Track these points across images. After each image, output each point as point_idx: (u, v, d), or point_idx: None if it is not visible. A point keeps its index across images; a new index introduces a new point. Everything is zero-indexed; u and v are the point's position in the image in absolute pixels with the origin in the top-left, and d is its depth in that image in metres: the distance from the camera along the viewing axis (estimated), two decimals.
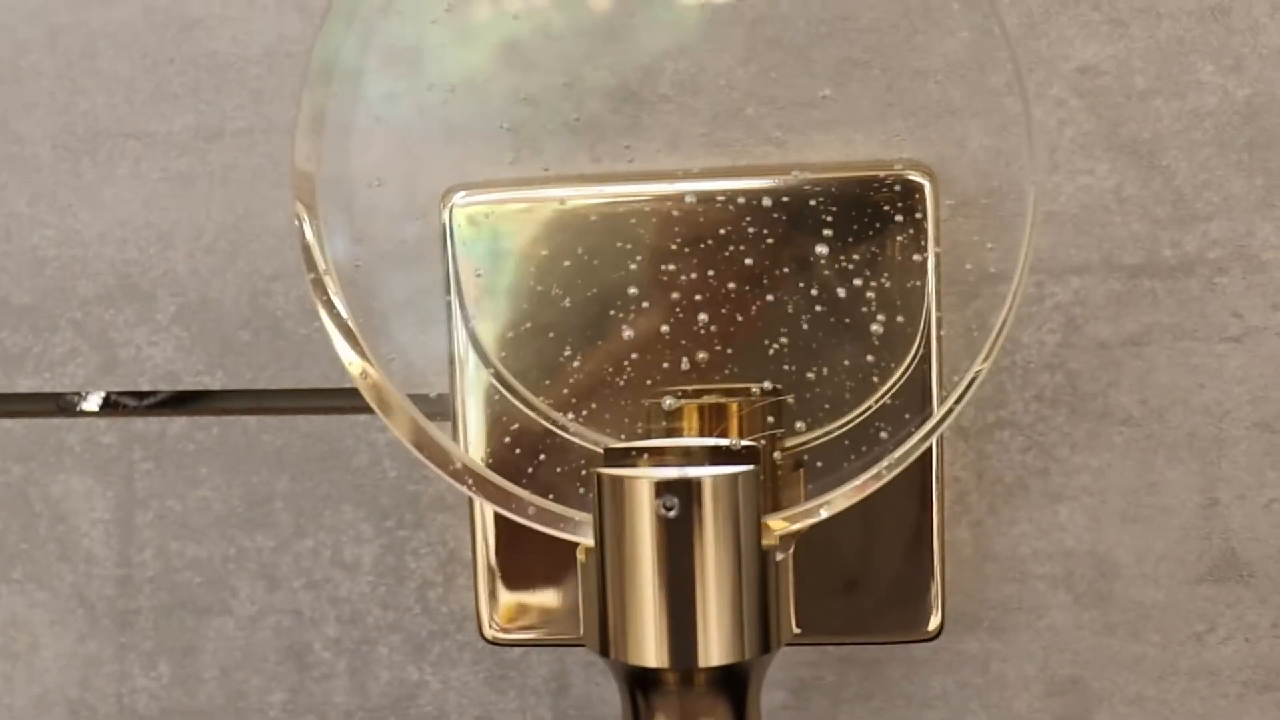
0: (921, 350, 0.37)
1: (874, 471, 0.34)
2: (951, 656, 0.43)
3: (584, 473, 0.37)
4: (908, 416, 0.37)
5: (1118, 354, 0.41)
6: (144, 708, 0.47)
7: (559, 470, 0.38)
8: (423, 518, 0.44)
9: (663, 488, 0.32)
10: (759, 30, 0.40)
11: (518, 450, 0.38)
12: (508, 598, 0.41)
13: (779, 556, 0.33)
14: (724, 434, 0.37)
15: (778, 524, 0.33)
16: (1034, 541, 0.42)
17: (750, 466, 0.32)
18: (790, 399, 0.38)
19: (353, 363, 0.35)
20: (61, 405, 0.46)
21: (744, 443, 0.34)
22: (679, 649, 0.33)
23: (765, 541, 0.33)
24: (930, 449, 0.38)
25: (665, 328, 0.38)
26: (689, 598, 0.33)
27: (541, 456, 0.38)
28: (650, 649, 0.33)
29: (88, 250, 0.45)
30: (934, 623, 0.39)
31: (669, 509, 0.32)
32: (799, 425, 0.37)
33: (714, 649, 0.33)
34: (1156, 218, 0.41)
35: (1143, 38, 0.40)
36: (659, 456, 0.35)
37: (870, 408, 0.38)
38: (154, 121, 0.44)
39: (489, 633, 0.41)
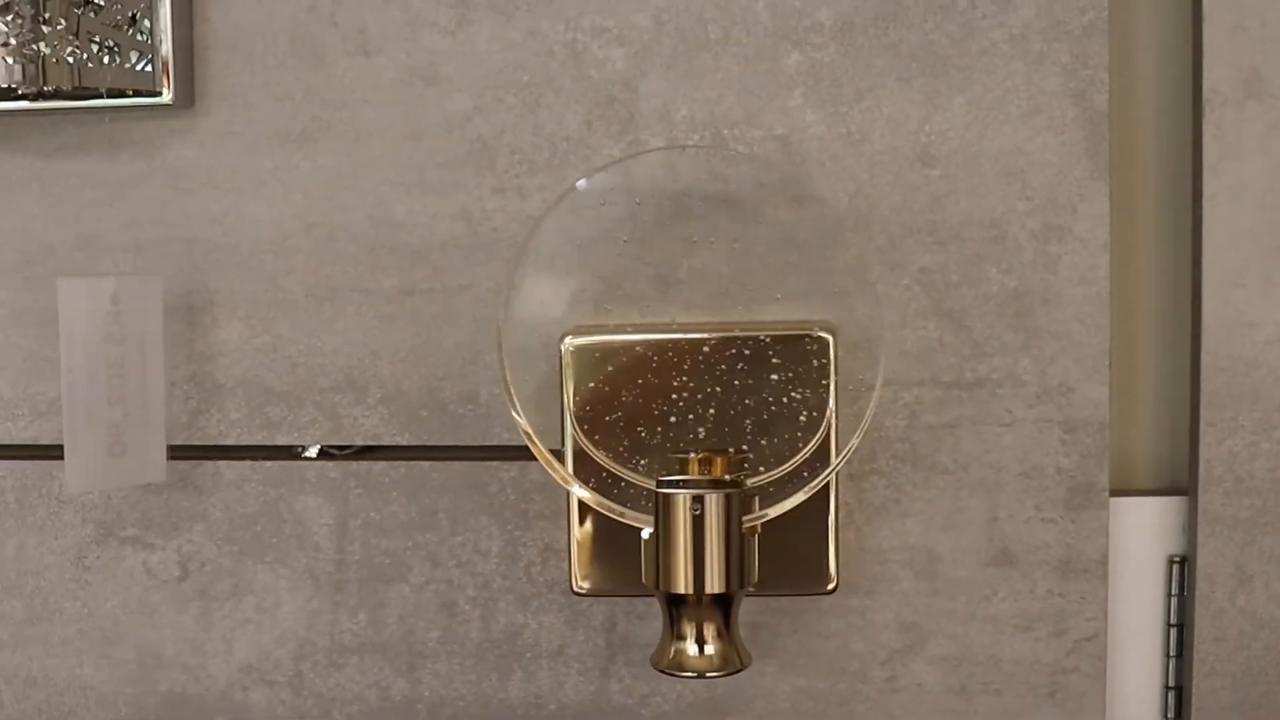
0: (825, 429, 0.72)
1: (799, 498, 0.68)
2: (843, 609, 0.77)
3: (643, 494, 0.71)
4: (816, 466, 0.72)
5: (940, 432, 0.76)
6: (347, 641, 0.79)
7: (619, 490, 0.72)
8: (530, 524, 0.78)
9: (694, 499, 0.66)
10: (737, 245, 0.75)
11: (606, 479, 0.72)
12: (586, 568, 0.74)
13: (747, 537, 0.67)
14: (720, 474, 0.70)
15: (749, 519, 0.67)
16: (891, 540, 0.77)
17: (738, 489, 0.67)
18: (751, 456, 0.72)
19: (526, 432, 0.69)
20: (304, 454, 0.79)
21: (734, 478, 0.68)
22: (697, 582, 0.67)
23: (745, 528, 0.67)
24: (829, 488, 0.72)
25: (681, 414, 0.72)
26: (703, 555, 0.67)
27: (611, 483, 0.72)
28: (681, 582, 0.67)
29: (324, 359, 0.78)
30: (832, 585, 0.74)
31: (695, 511, 0.66)
32: (761, 469, 0.72)
33: (715, 583, 0.67)
34: (963, 355, 0.75)
35: (955, 252, 0.75)
36: (689, 485, 0.68)
37: (799, 461, 0.72)
38: (370, 282, 0.77)
39: (576, 588, 0.75)
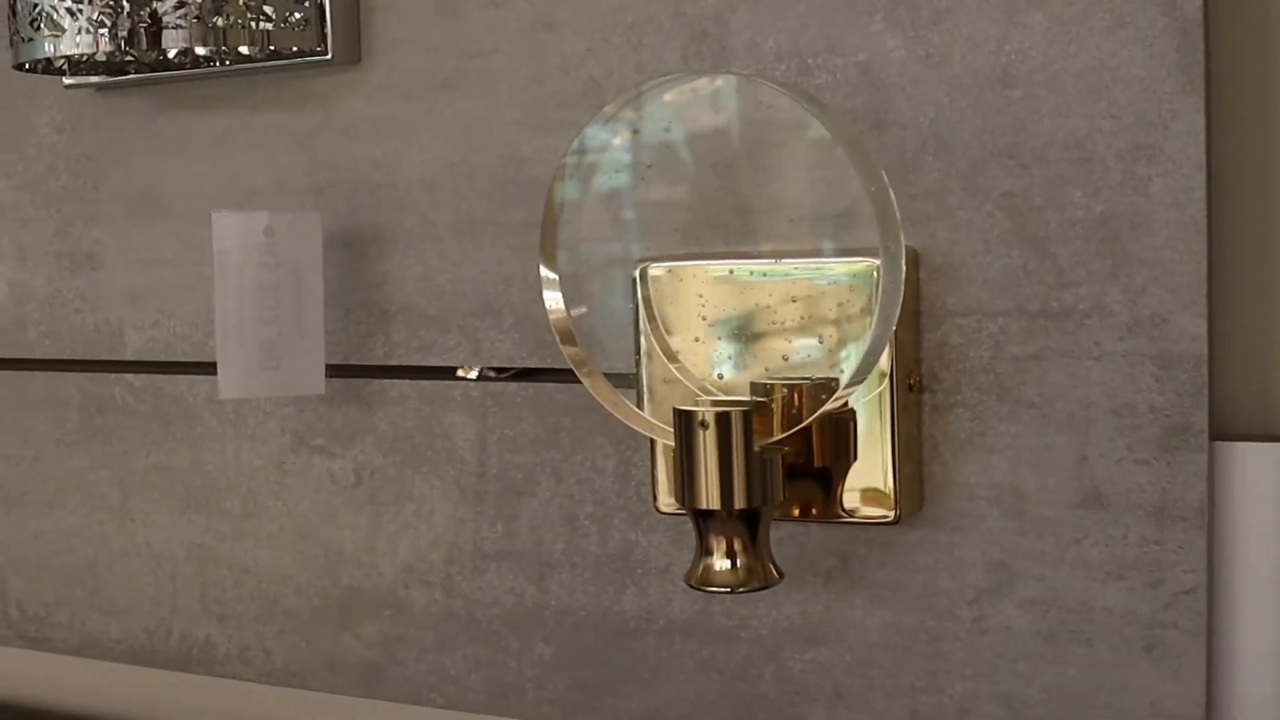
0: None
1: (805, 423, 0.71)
2: (930, 544, 0.77)
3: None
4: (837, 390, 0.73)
5: (1026, 364, 0.75)
6: (488, 548, 0.88)
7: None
8: (640, 445, 0.83)
9: (703, 415, 0.70)
10: (814, 174, 0.77)
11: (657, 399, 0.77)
12: (668, 489, 0.79)
13: (767, 456, 0.70)
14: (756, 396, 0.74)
15: (765, 440, 0.70)
16: (978, 476, 0.76)
17: (745, 409, 0.70)
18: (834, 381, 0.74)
19: (569, 353, 0.75)
20: (452, 374, 0.89)
21: (748, 399, 0.72)
22: (725, 498, 0.71)
23: (758, 446, 0.70)
24: (890, 417, 0.74)
25: (746, 336, 0.75)
26: (730, 471, 0.70)
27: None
28: (705, 498, 0.71)
29: (466, 286, 0.87)
30: (893, 516, 0.75)
31: (704, 426, 0.70)
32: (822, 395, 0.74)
33: (740, 499, 0.70)
34: (1048, 284, 0.74)
35: (1039, 175, 0.73)
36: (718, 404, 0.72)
37: (856, 388, 0.74)
38: (502, 215, 0.86)
39: (661, 507, 0.80)
